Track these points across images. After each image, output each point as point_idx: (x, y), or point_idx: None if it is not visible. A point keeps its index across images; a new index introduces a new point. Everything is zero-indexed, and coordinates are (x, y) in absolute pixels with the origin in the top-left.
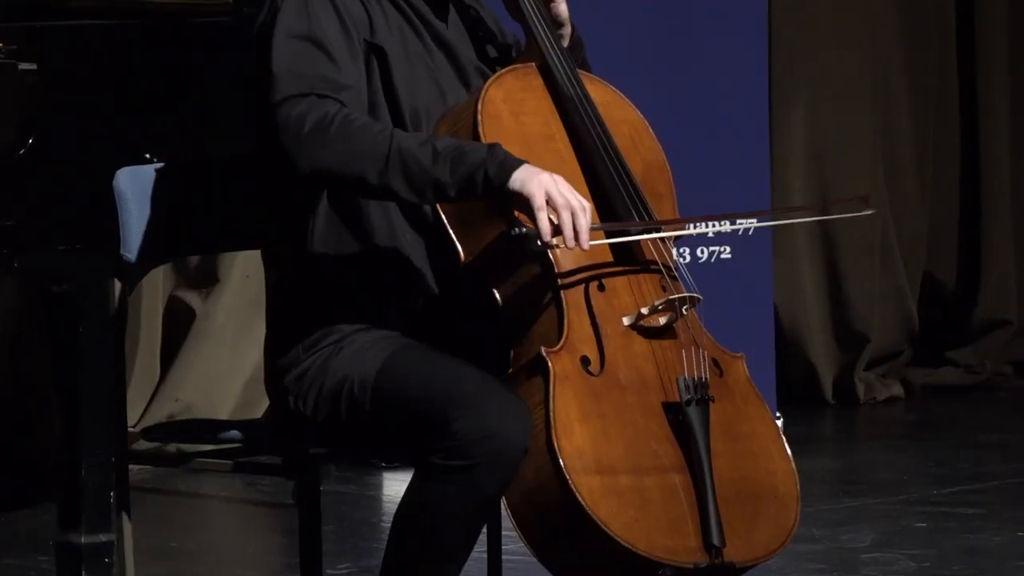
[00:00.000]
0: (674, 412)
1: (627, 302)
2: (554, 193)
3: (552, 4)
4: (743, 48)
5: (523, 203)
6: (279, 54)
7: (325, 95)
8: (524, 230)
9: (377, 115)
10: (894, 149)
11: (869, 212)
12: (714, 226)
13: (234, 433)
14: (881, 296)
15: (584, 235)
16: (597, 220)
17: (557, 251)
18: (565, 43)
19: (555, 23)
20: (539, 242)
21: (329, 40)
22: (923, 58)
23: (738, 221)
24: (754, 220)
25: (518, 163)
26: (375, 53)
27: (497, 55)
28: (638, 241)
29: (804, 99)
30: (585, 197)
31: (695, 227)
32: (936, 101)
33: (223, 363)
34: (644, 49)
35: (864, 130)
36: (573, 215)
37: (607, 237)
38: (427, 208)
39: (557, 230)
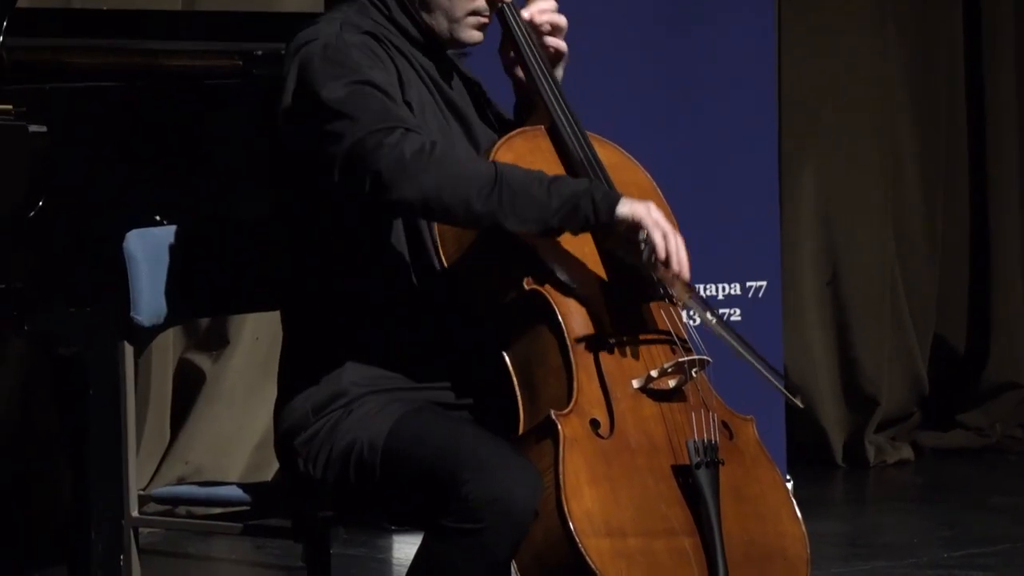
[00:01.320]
0: (684, 475)
1: (636, 365)
2: (658, 217)
3: (560, 58)
4: (753, 111)
5: (631, 228)
6: (338, 97)
7: (411, 129)
8: (643, 240)
9: None
10: (904, 211)
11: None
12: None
13: (244, 496)
14: (891, 358)
15: (685, 267)
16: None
17: (565, 311)
18: (560, 74)
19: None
20: (653, 258)
21: (377, 79)
22: (933, 120)
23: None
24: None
25: (619, 193)
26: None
27: (499, 117)
28: (648, 303)
29: (813, 162)
30: (594, 259)
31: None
32: (946, 163)
33: (233, 426)
34: (654, 111)
35: (874, 193)
36: (678, 245)
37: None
38: (439, 271)
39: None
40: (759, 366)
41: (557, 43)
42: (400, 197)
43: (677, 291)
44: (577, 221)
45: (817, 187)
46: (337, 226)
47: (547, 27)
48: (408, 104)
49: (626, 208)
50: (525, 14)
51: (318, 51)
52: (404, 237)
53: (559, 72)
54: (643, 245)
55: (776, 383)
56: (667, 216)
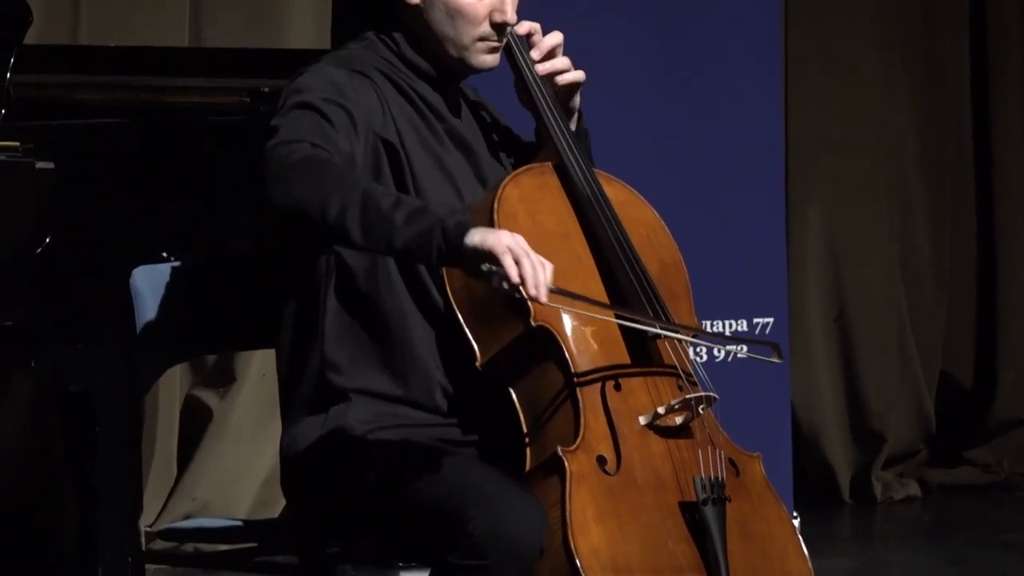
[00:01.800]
0: (690, 512)
1: (643, 401)
2: (514, 245)
3: (571, 97)
4: (759, 148)
5: (485, 256)
6: (282, 118)
7: (318, 144)
8: (493, 267)
9: None
10: (911, 248)
11: (776, 360)
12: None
13: (251, 532)
14: (898, 395)
15: (543, 288)
16: (619, 336)
17: (572, 348)
18: (574, 128)
19: (568, 112)
20: (504, 284)
21: (334, 117)
22: (939, 157)
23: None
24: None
25: (475, 224)
26: (387, 149)
27: (511, 149)
28: (653, 339)
29: (820, 198)
30: (600, 295)
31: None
32: (952, 200)
33: (240, 462)
34: (662, 149)
35: (881, 229)
36: (534, 267)
37: (616, 317)
38: (441, 306)
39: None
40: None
41: (568, 79)
42: (275, 201)
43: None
44: (428, 250)
45: (824, 223)
46: (336, 261)
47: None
48: (388, 142)
49: (476, 237)
50: (535, 54)
51: (296, 85)
52: (402, 274)
53: (577, 99)
54: (494, 273)
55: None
56: (671, 253)
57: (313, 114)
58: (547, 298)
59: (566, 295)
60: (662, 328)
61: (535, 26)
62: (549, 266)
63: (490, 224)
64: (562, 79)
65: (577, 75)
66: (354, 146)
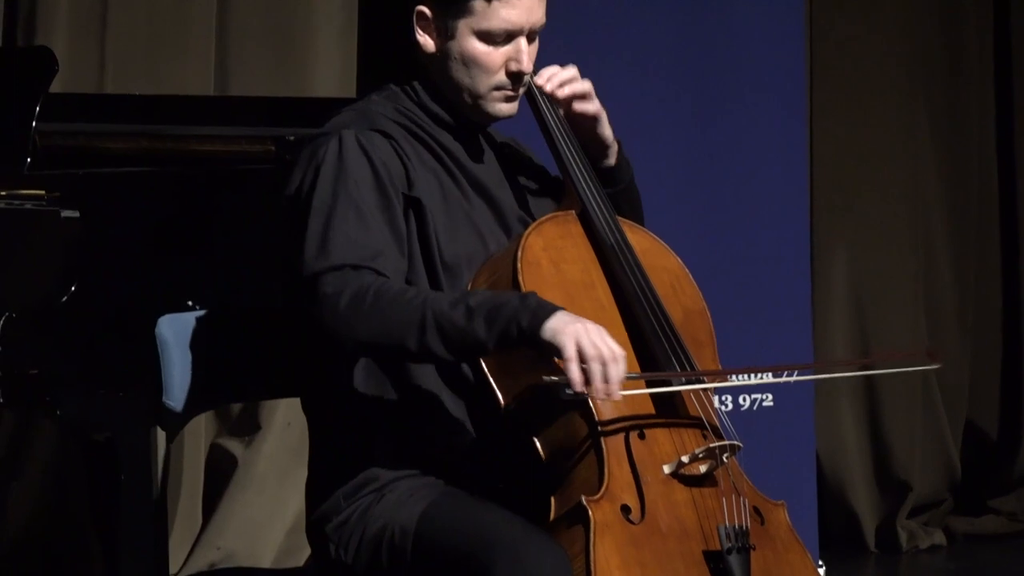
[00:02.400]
0: (715, 560)
1: (668, 450)
2: (585, 343)
3: (597, 128)
4: (784, 195)
5: (555, 353)
6: (314, 222)
7: (359, 266)
8: (555, 379)
9: (413, 268)
10: (935, 296)
11: (934, 367)
12: (754, 378)
13: None
14: (923, 444)
15: (615, 386)
16: (636, 368)
17: (597, 401)
18: (612, 161)
19: (601, 145)
20: (568, 391)
21: (364, 200)
22: (965, 204)
23: (784, 374)
24: (795, 373)
25: (551, 311)
26: (412, 206)
27: (538, 190)
28: (679, 391)
29: (845, 246)
30: (624, 344)
31: (737, 378)
32: (977, 248)
33: (265, 511)
34: (685, 194)
35: (905, 277)
36: (604, 365)
37: (647, 387)
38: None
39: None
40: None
41: (584, 108)
42: (341, 345)
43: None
44: (510, 345)
45: (849, 271)
46: None
47: (572, 98)
48: (415, 199)
49: (548, 334)
50: (546, 86)
51: (320, 153)
52: None
53: (606, 130)
54: (556, 382)
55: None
56: (696, 301)
57: (346, 213)
58: (619, 396)
59: (637, 377)
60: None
61: (554, 69)
62: (622, 360)
63: (513, 273)
64: (578, 107)
65: (592, 106)
66: (391, 227)
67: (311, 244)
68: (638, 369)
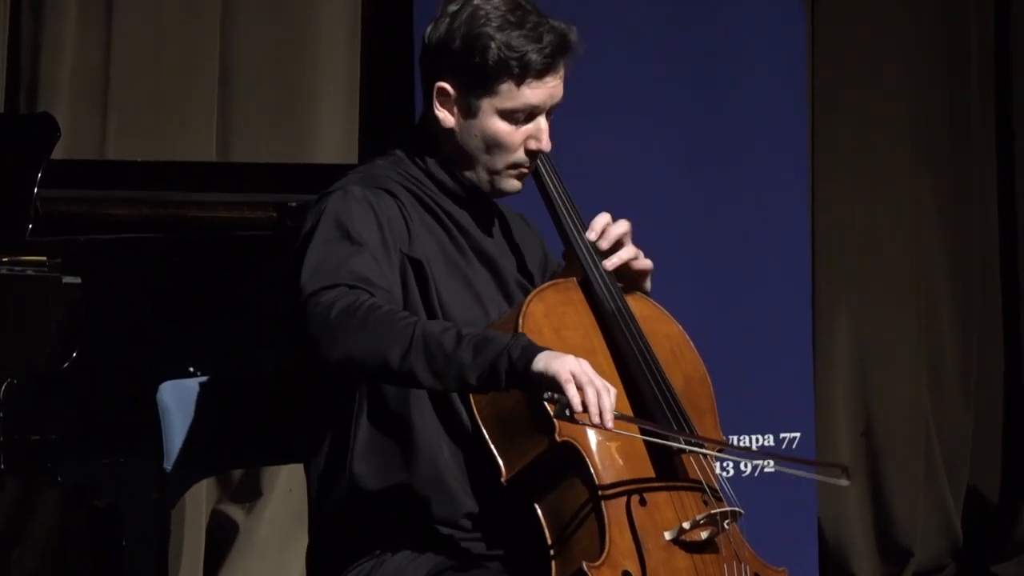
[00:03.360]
0: None
1: (669, 516)
2: (578, 372)
3: (642, 283)
4: (786, 259)
5: (549, 382)
6: (313, 252)
7: (355, 286)
8: (556, 395)
9: None
10: (937, 361)
11: (845, 483)
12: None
13: None
14: (925, 509)
15: (608, 413)
16: (644, 452)
17: (597, 463)
18: (647, 286)
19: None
20: (567, 411)
21: (365, 241)
22: (966, 269)
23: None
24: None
25: (541, 348)
26: (413, 266)
27: (541, 271)
28: (678, 453)
29: (847, 311)
30: (626, 411)
31: (738, 441)
32: (979, 312)
33: None
34: (687, 260)
35: (907, 341)
36: (598, 394)
37: (640, 432)
38: (467, 423)
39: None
40: (784, 464)
41: (641, 265)
42: (324, 358)
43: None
44: (497, 379)
45: (851, 337)
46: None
47: (623, 261)
48: (415, 260)
49: (541, 364)
50: (601, 244)
51: (324, 204)
52: (431, 394)
53: (647, 284)
54: (556, 399)
55: (804, 471)
56: (696, 368)
57: (346, 245)
58: (612, 424)
59: (629, 420)
60: (733, 454)
61: (606, 218)
62: (613, 392)
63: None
64: (635, 265)
65: (646, 263)
66: (390, 270)
67: (308, 269)
68: (640, 448)
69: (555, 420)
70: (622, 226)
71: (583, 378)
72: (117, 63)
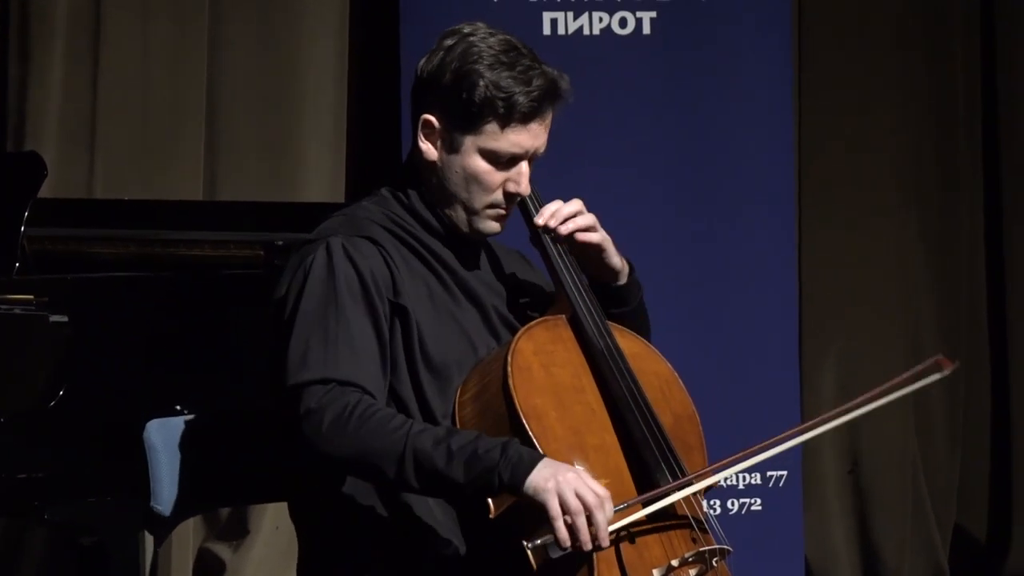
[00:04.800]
0: None
1: (657, 554)
2: (568, 498)
3: (603, 256)
4: (772, 295)
5: (539, 509)
6: (300, 331)
7: (344, 382)
8: (540, 542)
9: (397, 374)
10: (925, 401)
11: (945, 373)
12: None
13: None
14: (912, 548)
15: (602, 531)
16: (634, 491)
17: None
18: (622, 281)
19: (610, 272)
20: (557, 551)
21: (350, 313)
22: (954, 308)
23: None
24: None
25: (532, 463)
26: (399, 313)
27: (531, 307)
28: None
29: (834, 350)
30: (614, 450)
31: (725, 480)
32: (967, 351)
33: None
34: (675, 296)
35: (894, 378)
36: (590, 516)
37: (642, 506)
38: None
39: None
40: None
41: (588, 238)
42: (320, 457)
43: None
44: (490, 493)
45: (838, 376)
46: None
47: (575, 231)
48: (401, 307)
49: (530, 489)
50: (550, 223)
51: (308, 260)
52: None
53: (614, 258)
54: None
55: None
56: (685, 406)
57: (332, 327)
58: (606, 544)
59: (631, 505)
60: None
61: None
62: (608, 504)
63: (503, 378)
64: (581, 237)
65: (595, 236)
66: (378, 351)
67: (295, 355)
68: (629, 487)
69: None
70: (574, 204)
71: (573, 505)
72: (104, 102)
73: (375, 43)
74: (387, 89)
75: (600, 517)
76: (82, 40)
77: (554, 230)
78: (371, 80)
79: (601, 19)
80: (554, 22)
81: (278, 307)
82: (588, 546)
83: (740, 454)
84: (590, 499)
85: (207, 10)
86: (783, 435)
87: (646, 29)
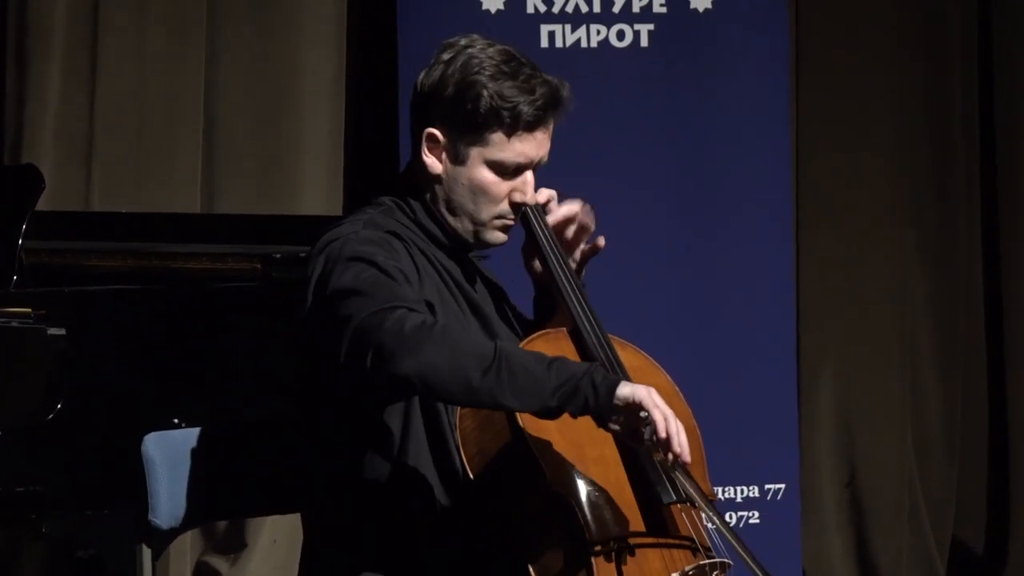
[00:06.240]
0: None
1: (657, 568)
2: (658, 399)
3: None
4: (771, 315)
5: (631, 408)
6: (351, 284)
7: (414, 309)
8: (647, 420)
9: None
10: (922, 413)
11: None
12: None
13: None
14: (909, 561)
15: (686, 449)
16: (635, 504)
17: (586, 513)
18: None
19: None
20: (661, 436)
21: (394, 273)
22: (951, 324)
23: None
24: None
25: (618, 377)
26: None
27: (522, 328)
28: (668, 506)
29: (832, 364)
30: (614, 463)
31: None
32: (964, 365)
33: None
34: (673, 313)
35: (892, 395)
36: (678, 428)
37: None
38: (462, 477)
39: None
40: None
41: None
42: (398, 371)
43: (679, 477)
44: (576, 402)
45: (835, 389)
46: (361, 433)
47: (574, 236)
48: (427, 302)
49: (627, 389)
50: (551, 220)
51: (336, 248)
52: (427, 442)
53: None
54: (644, 427)
55: None
56: (686, 419)
57: (381, 276)
58: (688, 458)
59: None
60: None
61: (552, 193)
62: (684, 429)
63: None
64: (576, 229)
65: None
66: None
67: (351, 300)
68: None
69: (544, 467)
70: (571, 207)
71: (666, 410)
72: (102, 115)
73: (373, 56)
74: (385, 102)
75: (683, 431)
76: (79, 53)
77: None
78: (369, 93)
79: (599, 31)
80: (552, 35)
81: (311, 312)
82: (677, 446)
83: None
84: (669, 412)
85: (204, 23)
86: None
87: (644, 41)
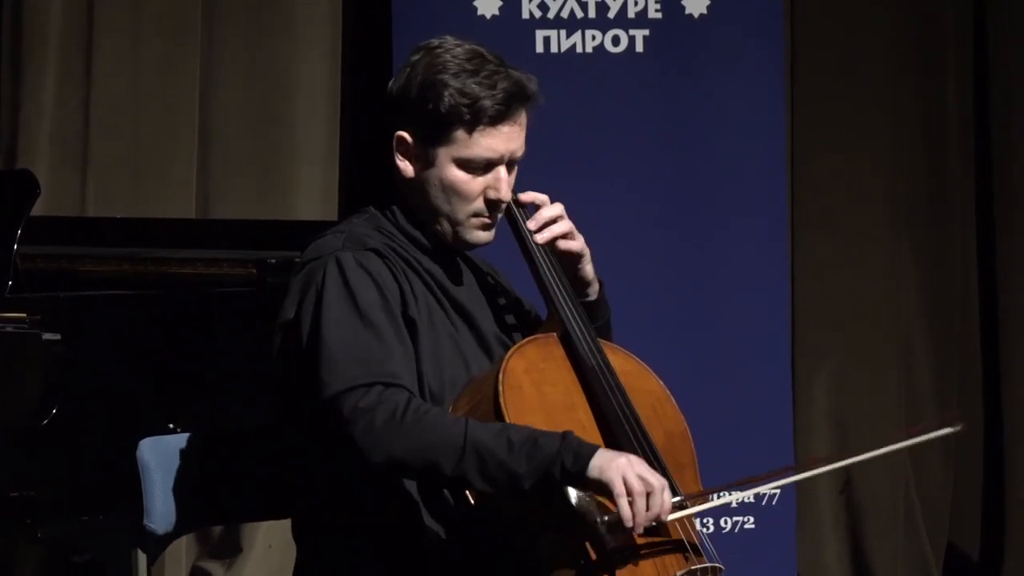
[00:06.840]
0: None
1: (649, 573)
2: (631, 478)
3: (579, 265)
4: (766, 319)
5: (603, 489)
6: (330, 339)
7: (391, 384)
8: (607, 518)
9: None
10: (918, 419)
11: (950, 430)
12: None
13: None
14: (905, 566)
15: (665, 514)
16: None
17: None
18: (592, 297)
19: (582, 283)
20: (625, 527)
21: (376, 319)
22: (947, 330)
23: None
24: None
25: (592, 449)
26: (408, 326)
27: (516, 321)
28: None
29: (827, 369)
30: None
31: (718, 496)
32: (959, 373)
33: None
34: (667, 317)
35: (887, 400)
36: (650, 497)
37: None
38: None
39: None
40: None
41: (569, 246)
42: (370, 460)
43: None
44: (550, 482)
45: (831, 394)
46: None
47: (557, 240)
48: (412, 320)
49: (596, 472)
50: (531, 225)
51: (318, 277)
52: None
53: (588, 268)
54: (619, 506)
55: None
56: (677, 423)
57: (360, 330)
58: (667, 518)
59: (682, 507)
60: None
61: (541, 197)
62: (667, 496)
63: (495, 395)
64: (562, 244)
65: (576, 244)
66: (405, 351)
67: (330, 364)
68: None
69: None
70: (556, 208)
71: (636, 486)
72: (97, 121)
73: (367, 62)
74: (379, 107)
75: (664, 498)
76: (75, 58)
77: (537, 236)
78: (363, 98)
79: (594, 37)
80: (547, 40)
81: (289, 327)
82: (640, 528)
83: (735, 483)
84: (653, 481)
85: (199, 28)
86: (782, 470)
87: (639, 47)
